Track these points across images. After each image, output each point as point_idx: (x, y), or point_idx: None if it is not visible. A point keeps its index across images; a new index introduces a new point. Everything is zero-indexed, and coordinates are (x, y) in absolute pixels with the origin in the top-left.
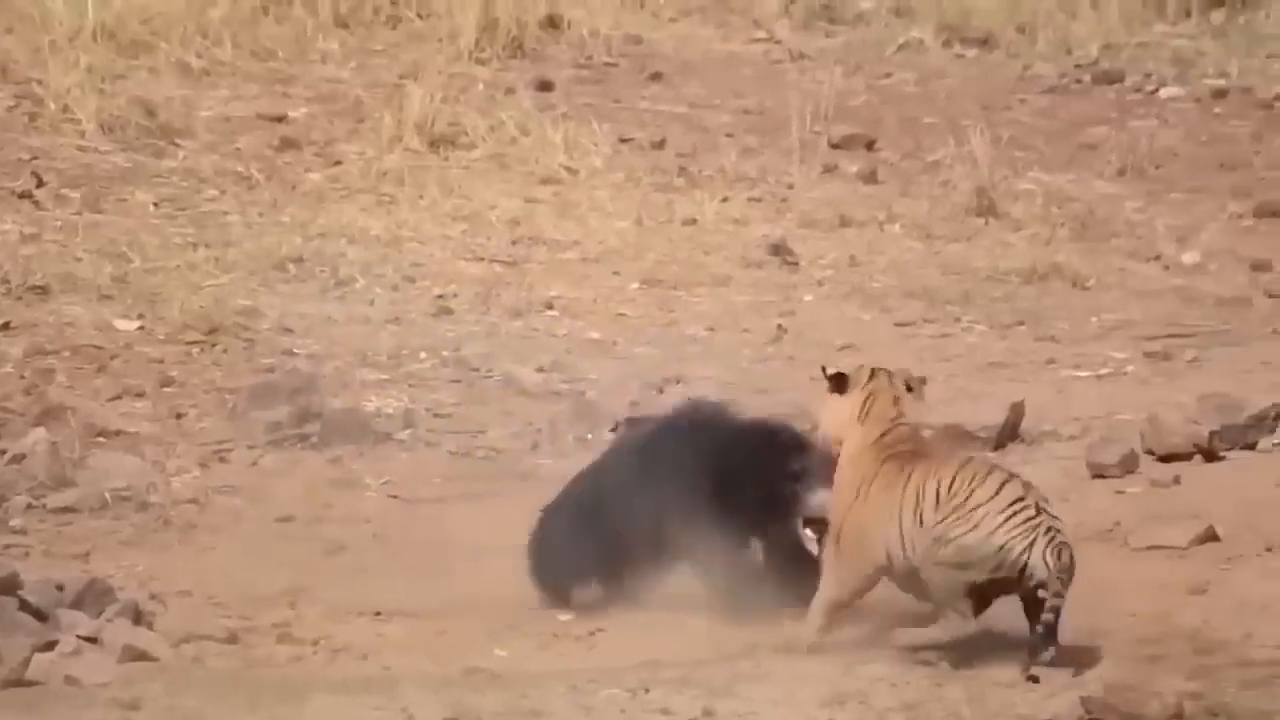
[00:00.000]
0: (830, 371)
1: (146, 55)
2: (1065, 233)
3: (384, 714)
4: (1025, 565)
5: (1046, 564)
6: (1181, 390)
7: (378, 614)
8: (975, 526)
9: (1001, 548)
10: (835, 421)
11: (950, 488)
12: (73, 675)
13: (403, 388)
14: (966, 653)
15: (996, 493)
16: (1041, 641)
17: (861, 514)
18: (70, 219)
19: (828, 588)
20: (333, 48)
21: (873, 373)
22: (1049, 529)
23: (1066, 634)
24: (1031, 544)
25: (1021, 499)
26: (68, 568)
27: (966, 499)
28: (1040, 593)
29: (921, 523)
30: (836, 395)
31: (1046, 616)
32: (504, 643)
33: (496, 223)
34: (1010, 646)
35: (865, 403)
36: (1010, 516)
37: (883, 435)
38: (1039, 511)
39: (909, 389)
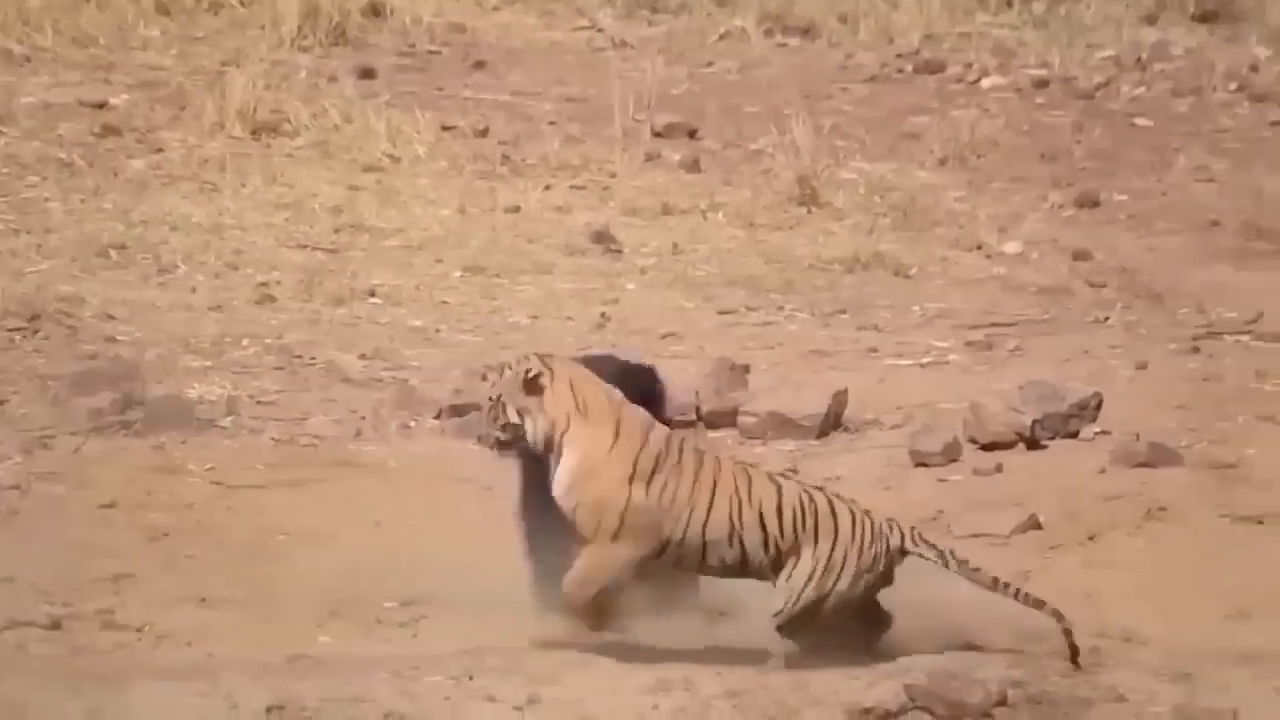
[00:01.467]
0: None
1: None
2: (887, 222)
3: (208, 701)
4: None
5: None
6: (1003, 379)
7: (202, 600)
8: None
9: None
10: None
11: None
12: None
13: (226, 375)
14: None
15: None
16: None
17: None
18: None
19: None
20: (154, 34)
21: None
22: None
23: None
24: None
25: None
26: None
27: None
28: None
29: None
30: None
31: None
32: (327, 629)
33: (319, 210)
34: (836, 636)
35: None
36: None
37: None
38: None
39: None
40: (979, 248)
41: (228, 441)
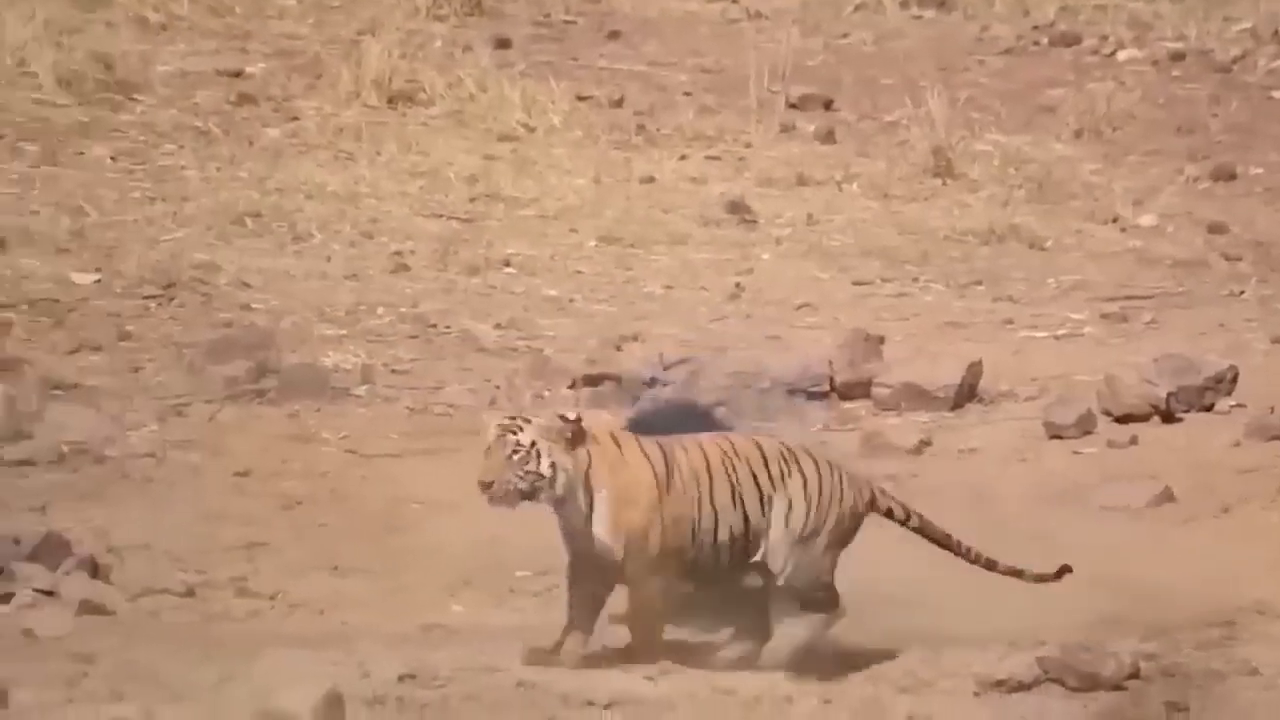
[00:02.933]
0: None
1: (103, 9)
2: (1022, 194)
3: (340, 669)
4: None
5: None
6: (1138, 351)
7: (335, 569)
8: None
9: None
10: None
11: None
12: (29, 628)
13: (360, 343)
14: None
15: None
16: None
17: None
18: (27, 172)
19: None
20: (290, 3)
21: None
22: None
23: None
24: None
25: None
26: (24, 521)
27: None
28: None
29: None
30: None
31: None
32: (460, 598)
33: (454, 179)
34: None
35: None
36: None
37: None
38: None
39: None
40: (1114, 220)
41: (362, 410)
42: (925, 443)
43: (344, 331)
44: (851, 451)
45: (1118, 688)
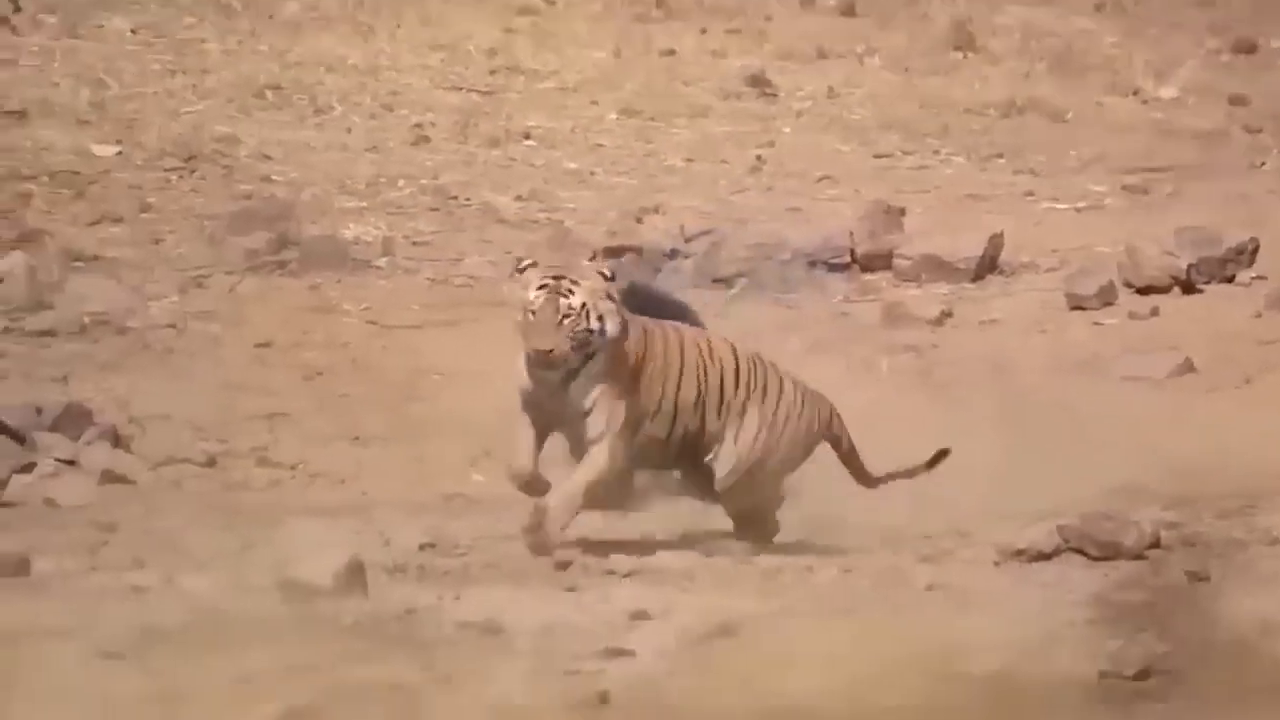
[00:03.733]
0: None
1: None
2: (1043, 67)
3: (361, 538)
4: None
5: None
6: (1159, 223)
7: (356, 439)
8: None
9: None
10: None
11: None
12: (51, 497)
13: (381, 215)
14: None
15: None
16: None
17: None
18: (48, 44)
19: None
20: None
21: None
22: None
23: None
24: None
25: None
26: (46, 391)
27: None
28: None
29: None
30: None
31: None
32: (480, 468)
33: (474, 52)
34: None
35: None
36: None
37: None
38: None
39: None
40: (1135, 93)
41: (383, 281)
42: (946, 314)
43: (364, 204)
44: (873, 323)
45: (1138, 557)
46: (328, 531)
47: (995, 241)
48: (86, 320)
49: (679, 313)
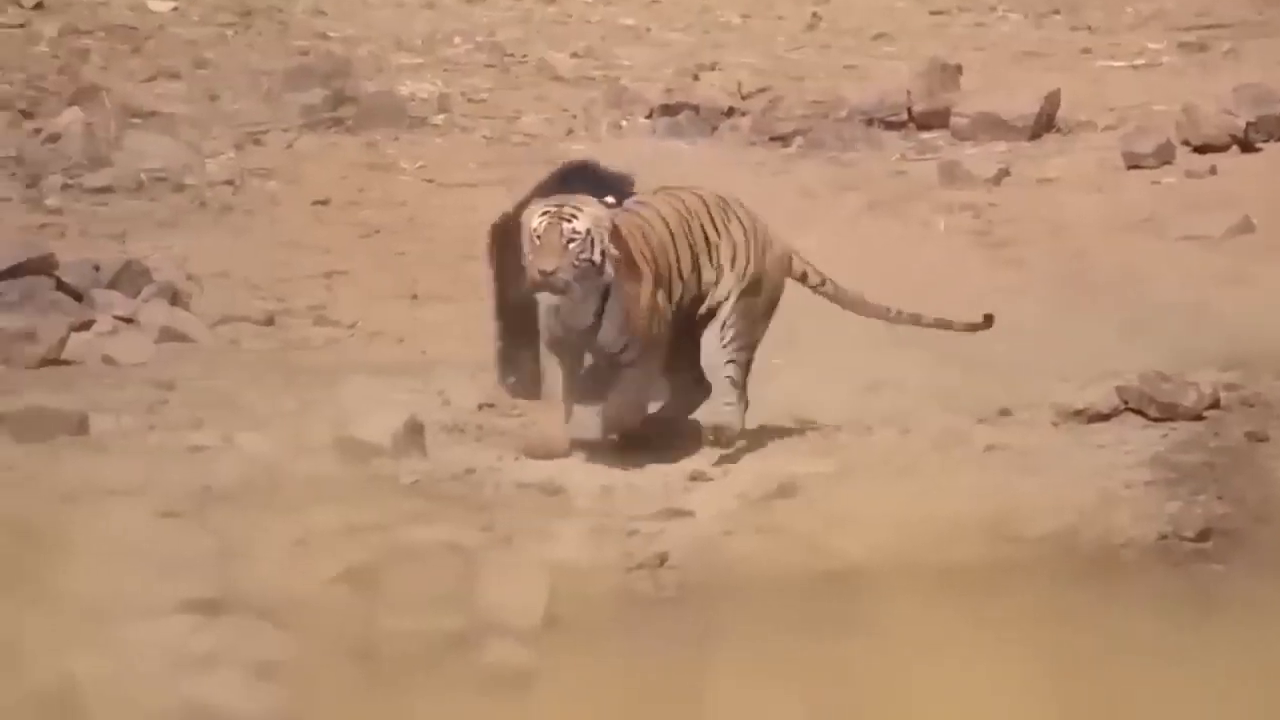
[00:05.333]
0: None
1: None
2: None
3: (420, 397)
4: None
5: None
6: (1217, 81)
7: (414, 297)
8: None
9: None
10: None
11: None
12: (109, 355)
13: (437, 72)
14: None
15: None
16: None
17: None
18: None
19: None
20: None
21: None
22: None
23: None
24: None
25: None
26: (104, 248)
27: None
28: None
29: None
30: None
31: None
32: None
33: None
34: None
35: None
36: None
37: None
38: None
39: None
40: None
41: (439, 139)
42: (1003, 172)
43: (420, 60)
44: (929, 181)
45: (1197, 418)
46: (386, 390)
47: (1052, 99)
48: (144, 177)
49: (619, 182)
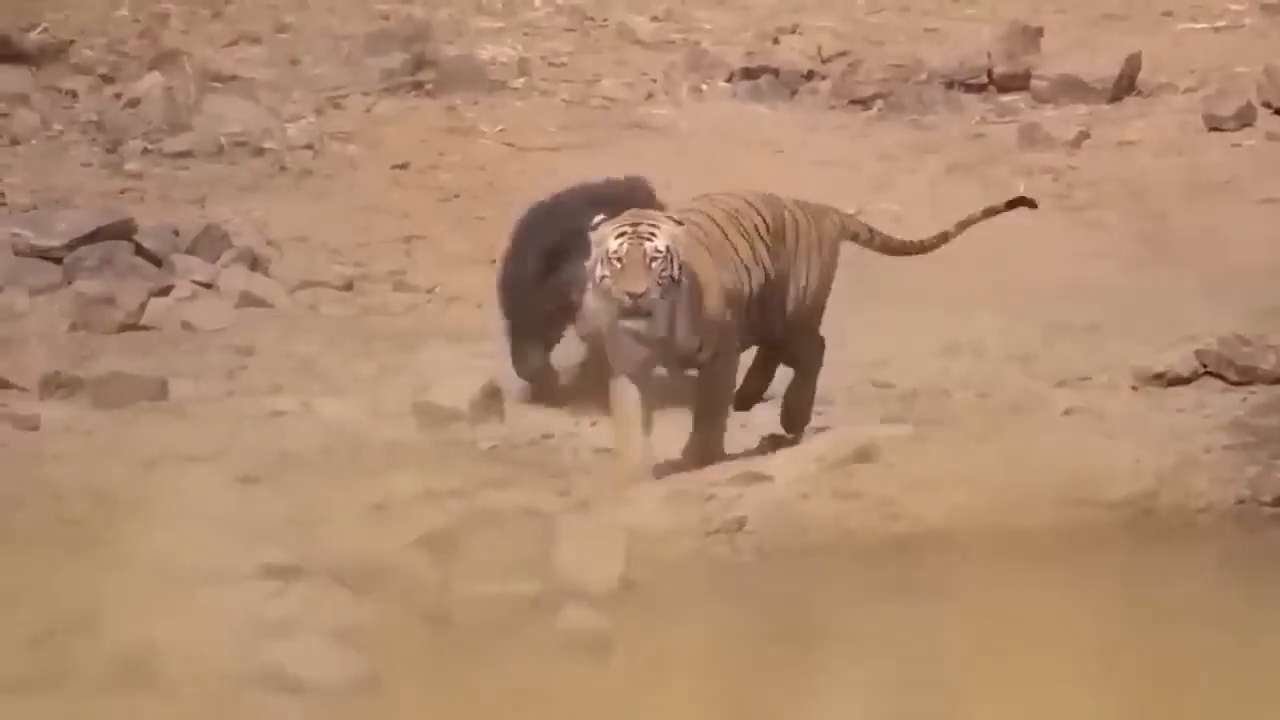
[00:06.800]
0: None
1: None
2: None
3: (498, 362)
4: None
5: None
6: None
7: (493, 262)
8: None
9: None
10: None
11: None
12: (189, 320)
13: (517, 36)
14: None
15: None
16: None
17: None
18: None
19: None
20: None
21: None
22: None
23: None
24: None
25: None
26: (184, 213)
27: None
28: None
29: None
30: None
31: None
32: None
33: None
34: None
35: None
36: None
37: None
38: None
39: None
40: None
41: (519, 103)
42: (1084, 135)
43: (500, 24)
44: (1010, 144)
45: (1277, 381)
46: (464, 356)
47: (1133, 62)
48: (223, 141)
49: (643, 190)
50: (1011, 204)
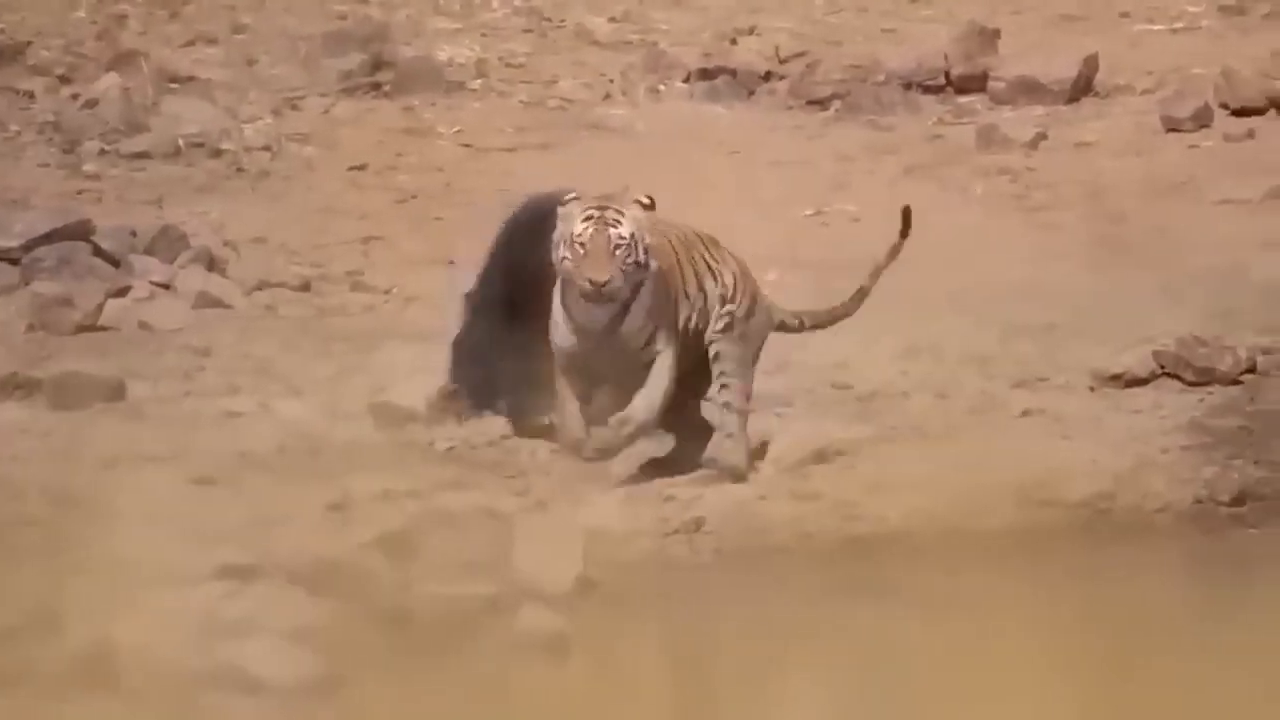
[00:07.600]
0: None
1: None
2: None
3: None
4: None
5: None
6: (1256, 44)
7: (451, 263)
8: None
9: None
10: None
11: None
12: (146, 321)
13: (475, 37)
14: None
15: None
16: None
17: None
18: None
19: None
20: None
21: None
22: None
23: None
24: None
25: None
26: (141, 214)
27: None
28: None
29: None
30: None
31: None
32: None
33: None
34: None
35: None
36: None
37: None
38: None
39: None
40: None
41: (477, 104)
42: (1041, 136)
43: (458, 25)
44: (967, 145)
45: (1234, 382)
46: (422, 357)
47: (1090, 63)
48: (181, 143)
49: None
50: (904, 231)
